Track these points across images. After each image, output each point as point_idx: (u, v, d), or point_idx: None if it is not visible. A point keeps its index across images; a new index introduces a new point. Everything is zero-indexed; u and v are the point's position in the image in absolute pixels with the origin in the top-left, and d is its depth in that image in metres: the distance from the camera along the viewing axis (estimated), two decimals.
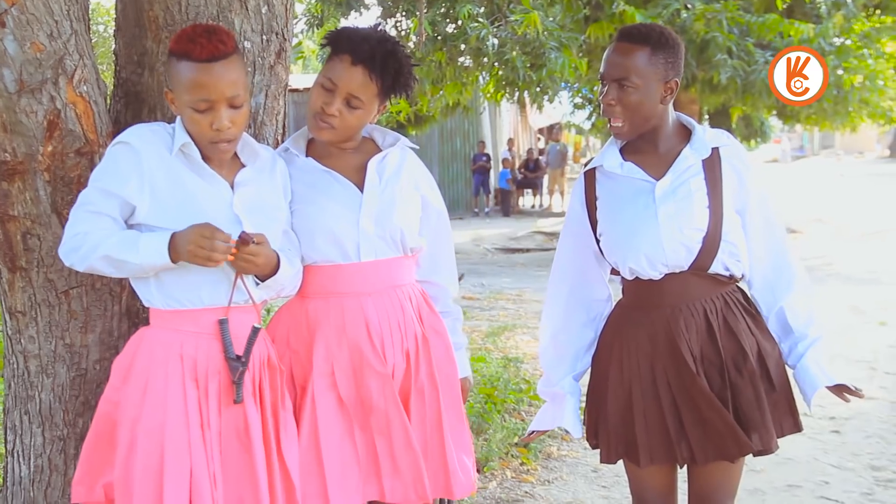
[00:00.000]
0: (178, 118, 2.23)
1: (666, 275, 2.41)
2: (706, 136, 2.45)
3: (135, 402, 2.16)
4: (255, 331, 2.25)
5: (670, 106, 2.45)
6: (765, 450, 2.40)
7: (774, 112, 16.30)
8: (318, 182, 2.43)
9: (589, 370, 2.62)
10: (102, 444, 2.23)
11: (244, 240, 2.14)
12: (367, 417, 2.41)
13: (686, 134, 2.48)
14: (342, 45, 2.36)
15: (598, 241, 2.51)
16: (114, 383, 2.23)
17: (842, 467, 4.43)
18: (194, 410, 2.16)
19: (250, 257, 2.16)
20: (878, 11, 13.89)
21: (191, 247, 2.08)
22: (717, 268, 2.41)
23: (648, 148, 2.47)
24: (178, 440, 2.13)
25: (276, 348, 2.38)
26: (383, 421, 2.40)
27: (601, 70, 2.44)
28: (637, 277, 2.45)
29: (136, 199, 2.15)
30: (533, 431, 2.69)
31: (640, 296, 2.48)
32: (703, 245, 2.38)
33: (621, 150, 2.50)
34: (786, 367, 2.49)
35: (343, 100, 2.35)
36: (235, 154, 2.30)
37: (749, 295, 2.53)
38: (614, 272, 2.56)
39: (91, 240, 2.12)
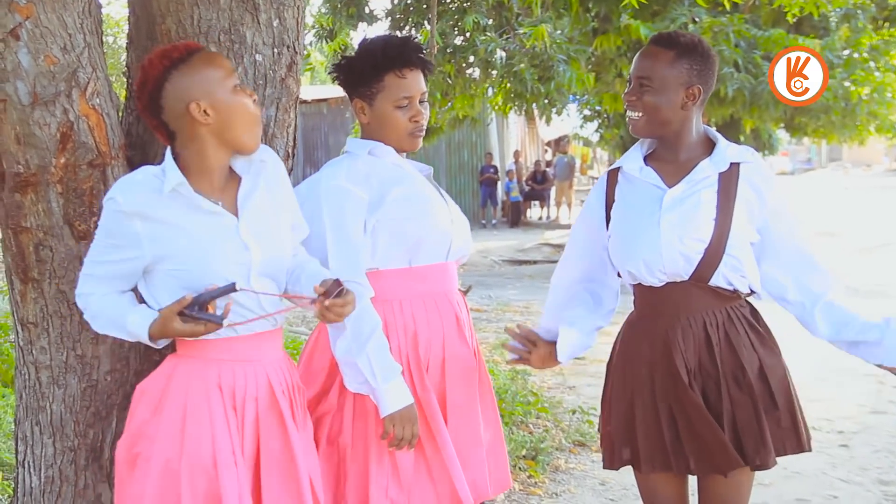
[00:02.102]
0: (168, 154, 2.15)
1: (667, 283, 2.43)
2: (728, 151, 2.46)
3: (171, 435, 2.11)
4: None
5: (696, 116, 2.47)
6: (761, 465, 2.40)
7: (782, 125, 16.25)
8: (420, 183, 2.55)
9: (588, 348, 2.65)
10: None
11: (328, 292, 2.04)
12: (446, 413, 2.49)
13: (710, 146, 2.50)
14: (395, 60, 2.47)
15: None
16: (142, 416, 2.16)
17: (850, 482, 4.42)
18: (237, 441, 2.14)
19: (339, 309, 2.08)
20: (886, 24, 13.88)
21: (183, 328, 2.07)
22: (718, 281, 2.41)
23: (669, 156, 2.49)
24: (230, 473, 2.10)
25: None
26: (459, 417, 2.49)
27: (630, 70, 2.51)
28: (640, 283, 2.47)
29: (145, 249, 2.10)
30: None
31: (644, 304, 2.51)
32: (703, 256, 2.39)
33: (646, 157, 2.53)
34: (791, 386, 2.48)
35: (419, 103, 2.53)
36: (231, 169, 2.23)
37: (768, 311, 2.53)
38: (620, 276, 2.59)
39: (93, 306, 2.21)
